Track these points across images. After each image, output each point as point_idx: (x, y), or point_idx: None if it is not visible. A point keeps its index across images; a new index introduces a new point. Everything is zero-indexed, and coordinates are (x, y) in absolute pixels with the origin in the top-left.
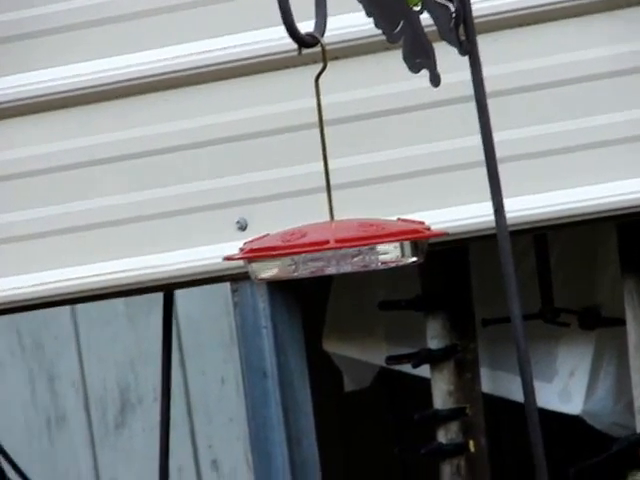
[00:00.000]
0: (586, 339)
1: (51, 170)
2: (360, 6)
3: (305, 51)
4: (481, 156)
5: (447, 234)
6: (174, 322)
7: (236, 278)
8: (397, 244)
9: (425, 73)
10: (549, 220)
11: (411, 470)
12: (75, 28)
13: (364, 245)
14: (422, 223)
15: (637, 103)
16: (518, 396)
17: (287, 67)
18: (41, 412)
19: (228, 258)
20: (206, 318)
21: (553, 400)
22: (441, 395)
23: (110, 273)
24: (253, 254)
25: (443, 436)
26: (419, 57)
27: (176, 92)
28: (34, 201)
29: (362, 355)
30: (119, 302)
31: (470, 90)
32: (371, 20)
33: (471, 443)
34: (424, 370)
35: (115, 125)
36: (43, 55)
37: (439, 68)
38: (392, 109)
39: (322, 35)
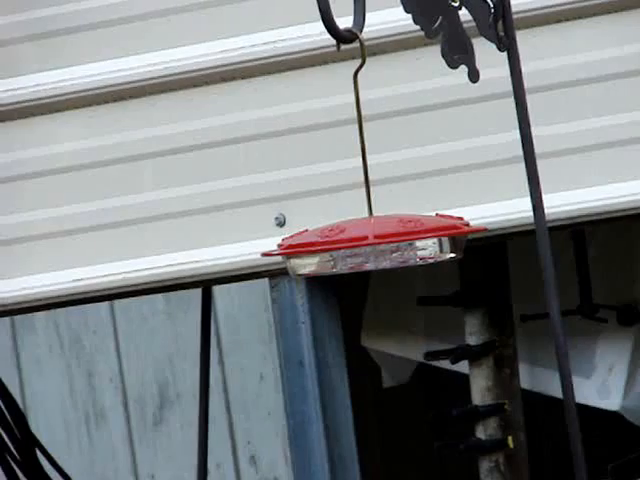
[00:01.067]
0: (625, 335)
1: (89, 166)
2: (399, 2)
3: (344, 47)
4: (520, 152)
5: (486, 230)
6: (213, 318)
7: (274, 274)
8: (436, 240)
9: (464, 69)
10: (587, 216)
11: (450, 466)
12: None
13: (403, 241)
14: (461, 219)
15: None
16: (557, 392)
17: (326, 63)
18: (80, 408)
19: (266, 254)
20: (244, 314)
21: (592, 396)
22: (480, 391)
23: (149, 269)
24: (292, 250)
25: (482, 432)
26: (458, 53)
27: (214, 88)
28: (73, 197)
29: (400, 351)
30: (158, 298)
31: (509, 86)
32: (409, 16)
33: (510, 439)
34: (463, 366)
35: (154, 121)
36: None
37: (478, 64)
38: (431, 105)
39: (361, 31)
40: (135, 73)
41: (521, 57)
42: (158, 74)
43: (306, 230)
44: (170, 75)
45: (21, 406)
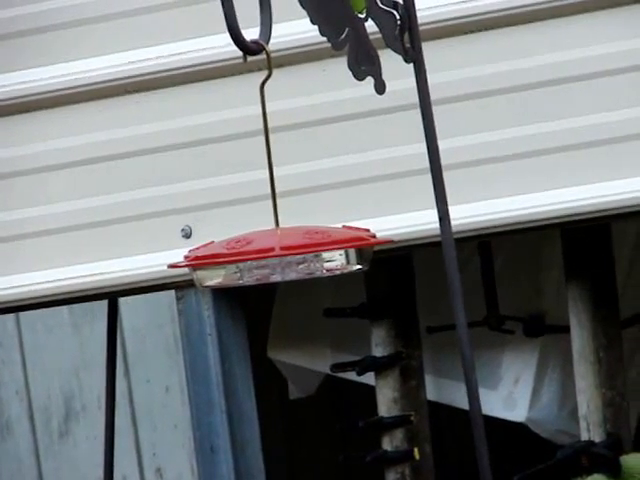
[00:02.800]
0: (531, 346)
1: None
2: (305, 13)
3: (250, 58)
4: (426, 163)
5: (392, 241)
6: (118, 330)
7: (181, 286)
8: (342, 251)
9: (370, 80)
10: (494, 227)
11: (356, 477)
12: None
13: (309, 252)
14: (367, 230)
15: (576, 112)
16: (463, 403)
17: (232, 74)
18: None
19: (173, 266)
20: (151, 326)
21: (498, 407)
22: (386, 402)
23: (54, 281)
24: (198, 262)
25: (388, 443)
26: (364, 64)
27: (120, 100)
28: None
29: (307, 363)
30: (63, 310)
31: (415, 97)
32: (316, 27)
33: (416, 450)
34: (369, 378)
35: (61, 133)
36: None
37: (384, 75)
38: (338, 116)
39: (267, 42)
40: (42, 85)
41: (427, 69)
42: (64, 86)
43: (212, 242)
44: (76, 87)
45: None
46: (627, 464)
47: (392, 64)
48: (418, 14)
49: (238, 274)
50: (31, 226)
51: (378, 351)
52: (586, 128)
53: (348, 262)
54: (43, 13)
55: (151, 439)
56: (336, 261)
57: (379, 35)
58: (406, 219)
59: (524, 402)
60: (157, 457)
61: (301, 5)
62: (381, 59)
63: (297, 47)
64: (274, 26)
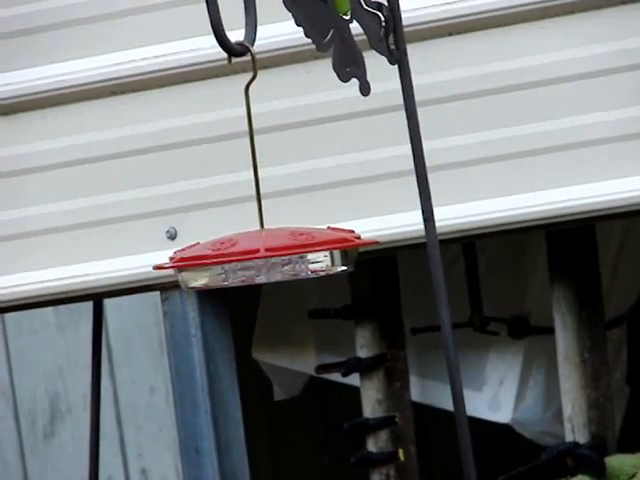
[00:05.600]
0: (515, 348)
1: None
2: (290, 15)
3: (235, 60)
4: (411, 165)
5: (377, 243)
6: (104, 331)
7: (166, 287)
8: (327, 253)
9: (355, 82)
10: (478, 229)
11: (341, 479)
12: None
13: (294, 254)
14: (352, 232)
15: (561, 113)
16: (448, 405)
17: (217, 76)
18: None
19: (158, 267)
20: (136, 327)
21: (482, 409)
22: (371, 404)
23: (40, 282)
24: (183, 263)
25: (373, 445)
26: (349, 66)
27: (103, 101)
28: None
29: (292, 364)
30: (49, 311)
31: (400, 99)
32: (301, 29)
33: (401, 452)
34: (354, 379)
35: (45, 135)
36: None
37: (369, 77)
38: (322, 118)
39: (252, 44)
40: (25, 87)
41: (412, 70)
42: (48, 87)
43: (198, 243)
44: (61, 88)
45: None
46: (612, 465)
47: (377, 66)
48: (403, 16)
49: (223, 275)
50: (15, 228)
51: (363, 352)
52: (570, 130)
53: (333, 263)
54: (28, 15)
55: (136, 440)
56: (321, 262)
57: (364, 37)
58: (391, 220)
59: (509, 403)
60: (142, 458)
61: (286, 7)
62: (366, 61)
63: (282, 49)
64: (259, 28)
